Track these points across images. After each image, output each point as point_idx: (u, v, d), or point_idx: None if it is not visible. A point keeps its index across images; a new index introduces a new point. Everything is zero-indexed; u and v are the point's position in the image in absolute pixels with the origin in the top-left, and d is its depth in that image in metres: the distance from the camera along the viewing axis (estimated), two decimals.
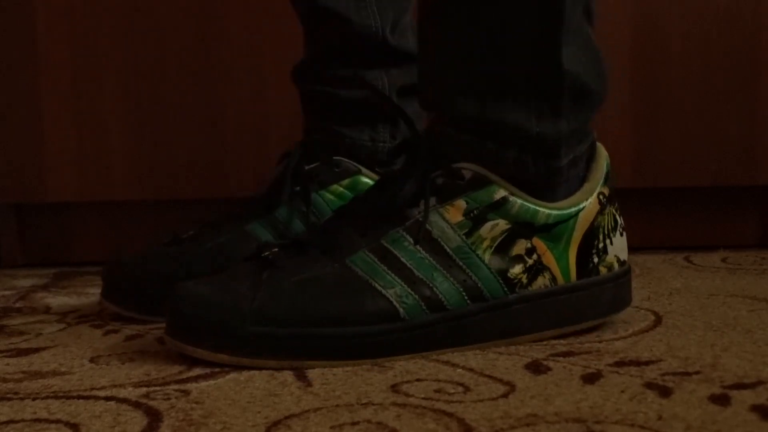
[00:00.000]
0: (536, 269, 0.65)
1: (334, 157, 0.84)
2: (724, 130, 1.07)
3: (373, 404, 0.51)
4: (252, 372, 0.59)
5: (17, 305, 0.86)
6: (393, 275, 0.62)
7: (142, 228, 1.13)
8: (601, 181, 0.68)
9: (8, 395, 0.55)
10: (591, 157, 0.69)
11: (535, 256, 0.65)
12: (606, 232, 0.68)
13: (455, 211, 0.63)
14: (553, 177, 0.66)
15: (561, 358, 0.60)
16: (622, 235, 0.70)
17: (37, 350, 0.67)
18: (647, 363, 0.58)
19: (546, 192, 0.66)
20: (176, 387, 0.56)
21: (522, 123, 0.65)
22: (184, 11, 1.08)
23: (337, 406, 0.51)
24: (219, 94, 1.09)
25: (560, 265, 0.66)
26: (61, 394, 0.55)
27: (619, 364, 0.58)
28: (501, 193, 0.64)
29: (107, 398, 0.54)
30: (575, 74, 0.65)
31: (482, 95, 0.65)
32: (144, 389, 0.55)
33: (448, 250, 0.63)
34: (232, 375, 0.58)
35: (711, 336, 0.65)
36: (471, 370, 0.58)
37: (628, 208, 1.12)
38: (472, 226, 0.63)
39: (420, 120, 0.89)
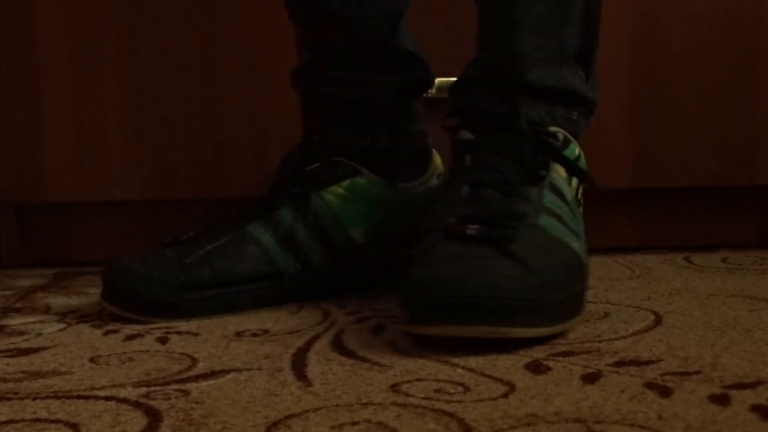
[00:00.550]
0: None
1: (334, 158, 0.83)
2: (724, 130, 1.07)
3: (373, 404, 0.51)
4: (252, 372, 0.59)
5: (17, 305, 0.86)
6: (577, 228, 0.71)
7: (142, 228, 1.13)
8: None
9: (8, 395, 0.55)
10: None
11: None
12: None
13: (561, 170, 0.72)
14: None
15: (561, 358, 0.60)
16: None
17: (37, 350, 0.67)
18: (647, 363, 0.58)
19: None
20: (176, 387, 0.56)
21: (580, 89, 0.75)
22: (184, 11, 1.08)
23: (337, 406, 0.51)
24: (219, 94, 1.09)
25: None
26: (61, 394, 0.55)
27: (619, 363, 0.58)
28: (577, 151, 0.74)
29: (107, 398, 0.54)
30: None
31: (552, 64, 0.73)
32: (144, 389, 0.55)
33: (569, 201, 0.71)
34: (232, 375, 0.58)
35: (711, 336, 0.65)
36: (471, 370, 0.58)
37: (628, 208, 1.13)
38: (570, 179, 0.73)
39: (423, 120, 0.89)
